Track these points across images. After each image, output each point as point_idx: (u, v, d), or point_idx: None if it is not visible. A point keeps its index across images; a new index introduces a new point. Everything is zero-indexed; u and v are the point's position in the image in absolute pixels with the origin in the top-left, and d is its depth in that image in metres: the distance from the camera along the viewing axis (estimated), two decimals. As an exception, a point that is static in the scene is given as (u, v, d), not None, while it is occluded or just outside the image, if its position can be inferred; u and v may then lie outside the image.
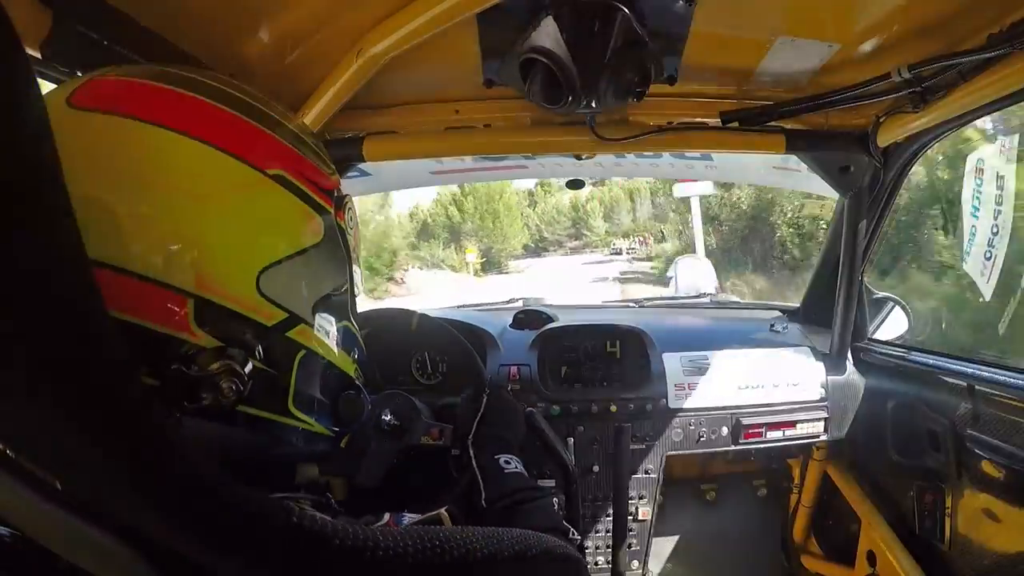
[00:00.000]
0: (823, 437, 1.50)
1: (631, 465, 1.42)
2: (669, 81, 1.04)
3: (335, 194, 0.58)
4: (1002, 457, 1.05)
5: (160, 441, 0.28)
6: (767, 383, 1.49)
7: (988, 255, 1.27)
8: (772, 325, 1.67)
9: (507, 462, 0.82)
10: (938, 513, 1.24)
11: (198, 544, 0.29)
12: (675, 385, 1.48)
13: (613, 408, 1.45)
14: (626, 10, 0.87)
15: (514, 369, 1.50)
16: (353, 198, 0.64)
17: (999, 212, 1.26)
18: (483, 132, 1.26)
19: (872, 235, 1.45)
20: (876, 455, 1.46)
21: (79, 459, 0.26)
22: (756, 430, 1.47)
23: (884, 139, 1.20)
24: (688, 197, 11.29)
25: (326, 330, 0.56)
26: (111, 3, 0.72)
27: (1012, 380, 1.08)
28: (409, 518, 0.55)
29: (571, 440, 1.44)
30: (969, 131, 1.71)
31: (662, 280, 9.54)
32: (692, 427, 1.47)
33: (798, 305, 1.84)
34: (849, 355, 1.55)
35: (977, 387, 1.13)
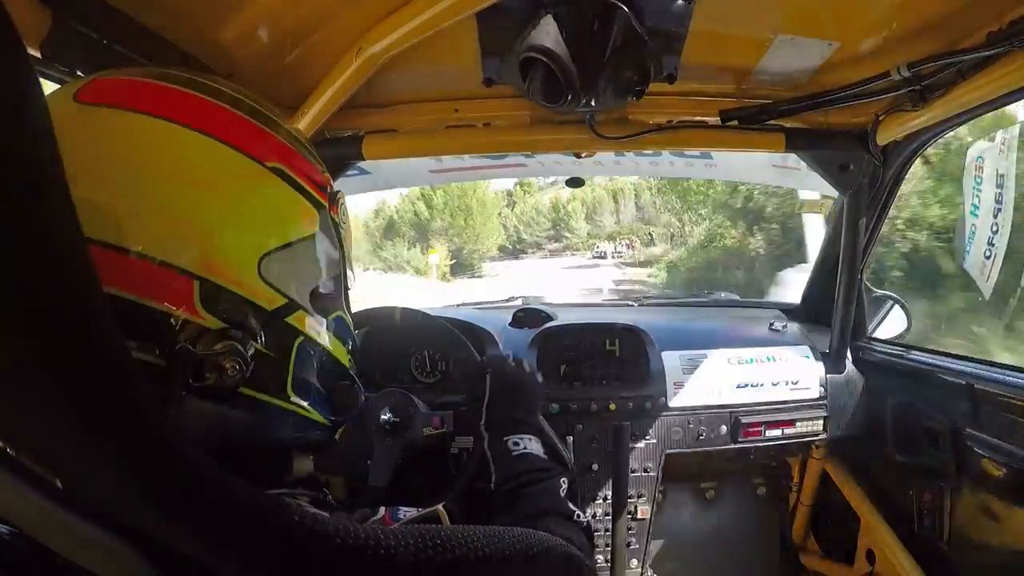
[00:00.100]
0: (822, 436, 1.50)
1: (630, 464, 1.42)
2: (668, 80, 1.04)
3: (328, 190, 0.61)
4: (1001, 456, 1.05)
5: (160, 440, 0.28)
6: (766, 381, 1.49)
7: (988, 254, 1.27)
8: (771, 324, 1.66)
9: (516, 443, 0.82)
10: (937, 512, 1.24)
11: (198, 543, 0.29)
12: (674, 383, 1.47)
13: (612, 406, 1.45)
14: (625, 9, 0.86)
15: None
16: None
17: (999, 211, 1.25)
18: (483, 131, 1.26)
19: (872, 233, 1.45)
20: (875, 454, 1.46)
21: (79, 458, 0.26)
22: (755, 428, 1.46)
23: (883, 137, 1.19)
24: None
25: (321, 319, 0.58)
26: (111, 3, 0.72)
27: (1011, 379, 1.09)
28: (405, 512, 0.56)
29: (570, 439, 1.43)
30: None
31: (667, 294, 7.21)
32: (691, 425, 1.47)
33: (797, 303, 1.83)
34: (848, 354, 1.55)
35: (977, 386, 1.13)
